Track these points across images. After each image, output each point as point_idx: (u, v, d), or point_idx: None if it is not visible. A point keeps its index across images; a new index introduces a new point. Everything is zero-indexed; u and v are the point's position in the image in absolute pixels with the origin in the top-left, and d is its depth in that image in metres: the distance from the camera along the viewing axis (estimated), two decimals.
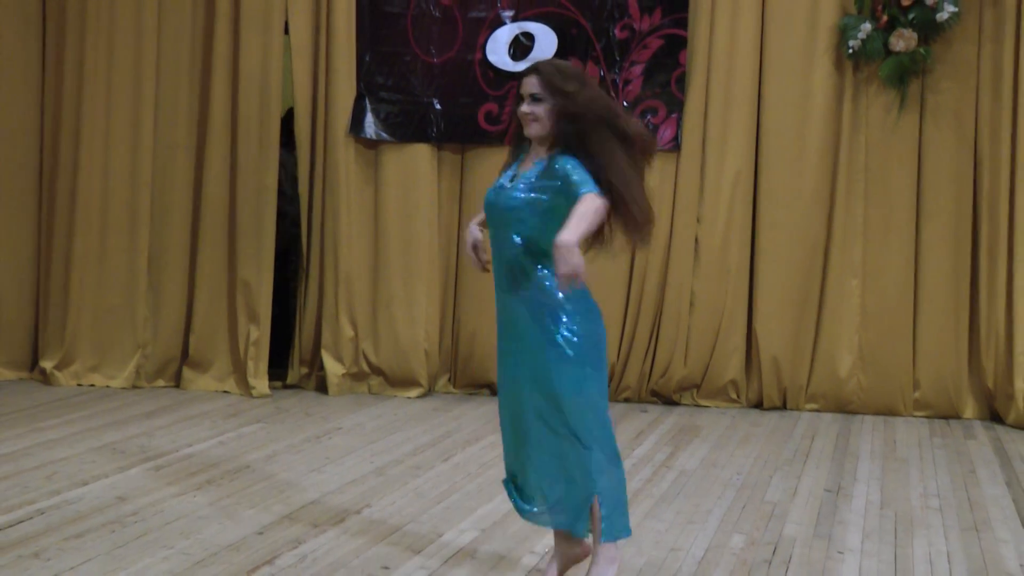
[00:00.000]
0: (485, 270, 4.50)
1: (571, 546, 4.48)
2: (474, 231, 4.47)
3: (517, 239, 4.25)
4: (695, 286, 8.17)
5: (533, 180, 4.21)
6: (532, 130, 4.26)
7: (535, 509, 4.45)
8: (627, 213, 4.15)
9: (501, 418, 4.48)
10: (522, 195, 4.24)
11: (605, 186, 4.07)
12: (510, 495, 4.54)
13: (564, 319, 4.21)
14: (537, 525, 4.63)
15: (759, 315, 8.15)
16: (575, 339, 4.22)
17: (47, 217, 8.51)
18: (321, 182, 8.28)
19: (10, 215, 8.49)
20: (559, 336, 4.22)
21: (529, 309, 4.26)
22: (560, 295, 4.19)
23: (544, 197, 4.20)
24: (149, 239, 8.34)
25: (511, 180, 4.30)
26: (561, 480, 4.30)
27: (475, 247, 4.47)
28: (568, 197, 4.08)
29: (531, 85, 4.25)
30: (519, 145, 4.41)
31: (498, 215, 4.30)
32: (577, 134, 4.18)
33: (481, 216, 4.49)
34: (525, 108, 4.25)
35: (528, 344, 4.28)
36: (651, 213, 4.22)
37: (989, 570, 4.90)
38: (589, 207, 4.00)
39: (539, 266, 4.24)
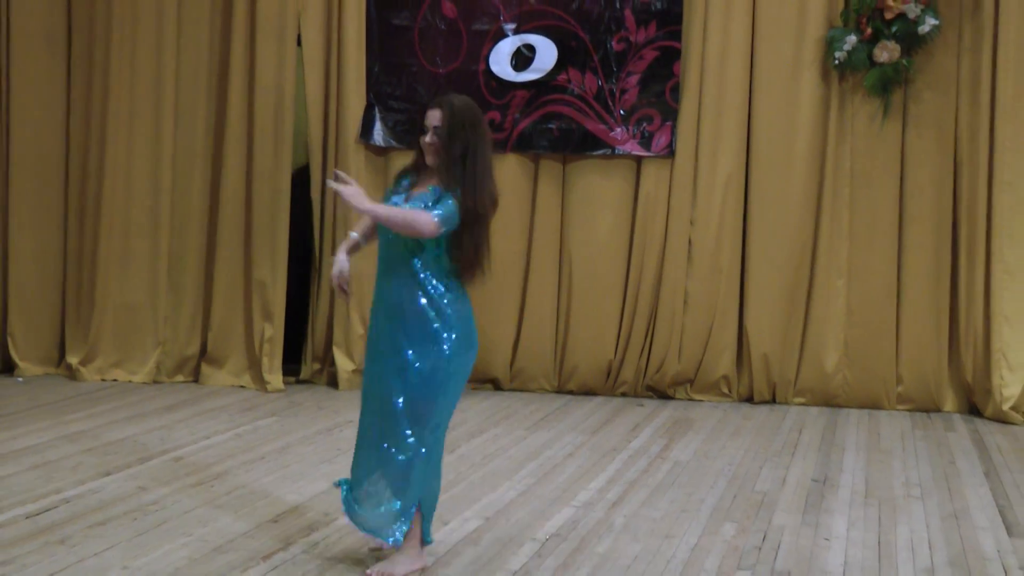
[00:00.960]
0: (346, 295, 4.70)
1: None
2: (342, 262, 4.63)
3: (403, 248, 4.52)
4: (689, 286, 8.31)
5: (428, 204, 4.46)
6: (430, 160, 4.54)
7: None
8: (464, 249, 4.48)
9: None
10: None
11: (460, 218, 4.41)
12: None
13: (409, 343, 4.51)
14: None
15: (750, 313, 8.28)
16: (416, 364, 4.52)
17: (74, 221, 8.62)
18: None
19: (38, 220, 8.62)
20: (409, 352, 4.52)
21: (402, 313, 4.53)
22: (431, 313, 4.49)
23: None
24: (169, 242, 8.48)
25: (405, 200, 4.54)
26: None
27: (341, 275, 4.62)
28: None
29: (435, 118, 4.51)
30: (412, 170, 4.65)
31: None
32: (451, 167, 4.45)
33: (354, 238, 4.71)
34: (428, 139, 4.52)
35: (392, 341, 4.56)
36: (480, 258, 4.52)
37: (968, 555, 5.07)
38: (411, 215, 4.36)
39: (416, 260, 4.51)
